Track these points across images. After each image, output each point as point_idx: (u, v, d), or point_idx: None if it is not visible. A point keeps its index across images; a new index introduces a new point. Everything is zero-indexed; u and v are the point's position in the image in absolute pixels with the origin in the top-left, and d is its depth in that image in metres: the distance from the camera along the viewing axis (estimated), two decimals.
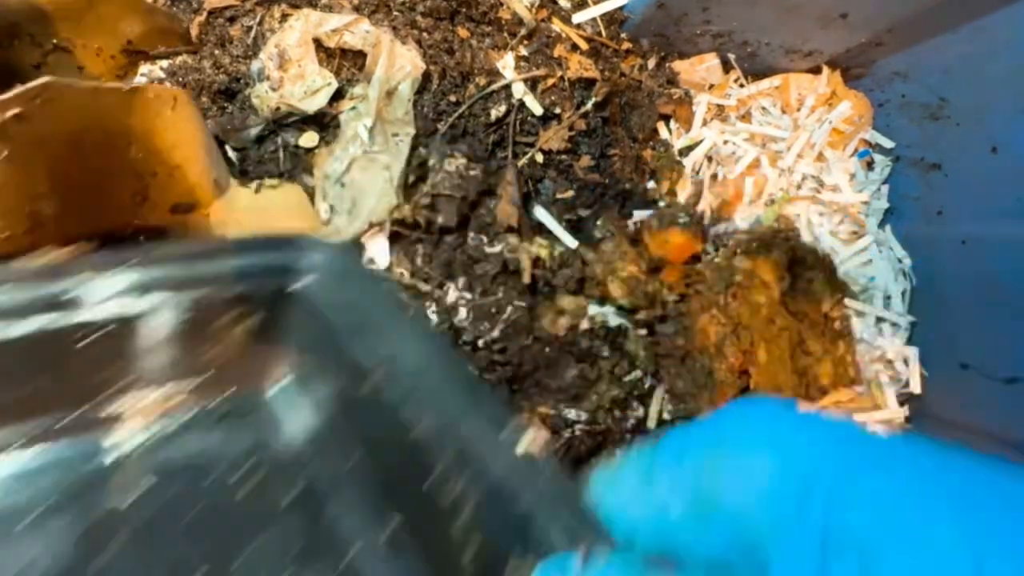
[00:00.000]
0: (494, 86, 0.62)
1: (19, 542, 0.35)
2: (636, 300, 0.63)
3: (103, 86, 0.44)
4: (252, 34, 0.61)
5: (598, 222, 0.67)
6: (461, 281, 0.64)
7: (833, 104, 0.76)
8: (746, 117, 0.77)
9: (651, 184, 0.72)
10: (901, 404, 0.72)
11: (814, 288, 0.72)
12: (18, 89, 0.39)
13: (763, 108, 0.77)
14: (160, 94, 0.48)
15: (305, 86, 0.59)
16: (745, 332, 0.66)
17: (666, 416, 0.63)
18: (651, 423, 0.62)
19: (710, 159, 0.75)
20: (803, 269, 0.72)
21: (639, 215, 0.70)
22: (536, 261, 0.65)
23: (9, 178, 0.40)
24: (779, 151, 0.75)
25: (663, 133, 0.74)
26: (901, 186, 0.75)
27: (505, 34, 0.65)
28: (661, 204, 0.73)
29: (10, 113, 0.38)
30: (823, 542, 0.22)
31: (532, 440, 0.32)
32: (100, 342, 0.36)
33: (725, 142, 0.75)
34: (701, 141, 0.74)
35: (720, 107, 0.76)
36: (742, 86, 0.76)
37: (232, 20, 0.62)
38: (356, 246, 0.63)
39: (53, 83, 0.40)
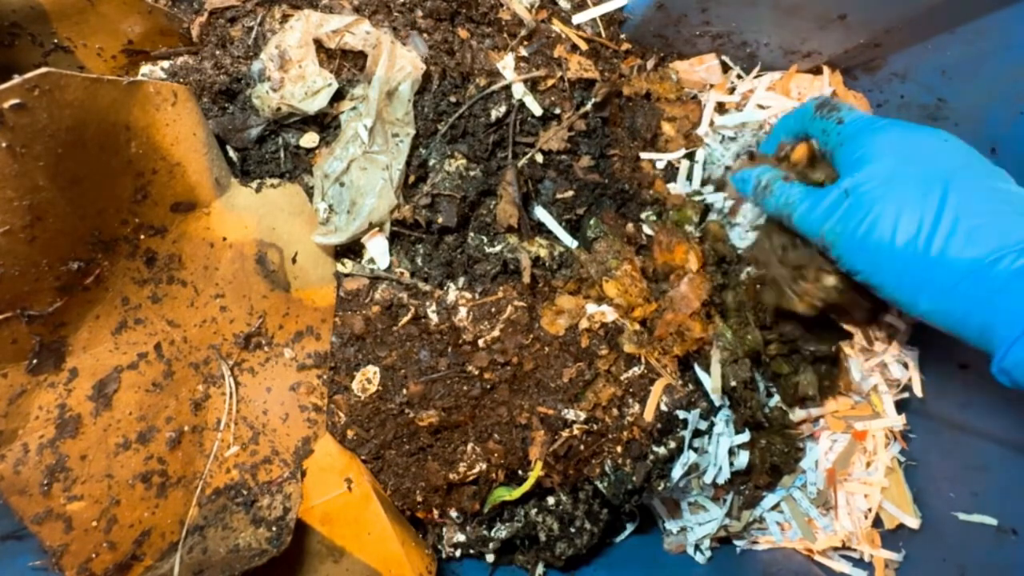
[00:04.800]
0: (494, 86, 0.62)
1: None
2: (632, 299, 0.62)
3: (103, 78, 0.44)
4: (253, 35, 0.61)
5: (591, 222, 0.67)
6: (461, 281, 0.64)
7: None
8: None
9: (652, 189, 0.72)
10: (899, 411, 0.73)
11: None
12: (17, 79, 0.38)
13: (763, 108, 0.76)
14: (160, 89, 0.48)
15: (306, 87, 0.59)
16: None
17: (663, 408, 0.63)
18: (648, 416, 0.61)
19: None
20: None
21: (645, 226, 0.70)
22: (536, 261, 0.65)
23: (8, 169, 0.39)
24: None
25: (663, 133, 0.74)
26: None
27: (505, 35, 0.65)
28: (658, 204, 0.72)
29: (9, 103, 0.38)
30: None
31: None
32: None
33: None
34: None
35: (720, 105, 0.76)
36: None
37: (233, 20, 0.62)
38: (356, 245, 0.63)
39: (52, 73, 0.40)
